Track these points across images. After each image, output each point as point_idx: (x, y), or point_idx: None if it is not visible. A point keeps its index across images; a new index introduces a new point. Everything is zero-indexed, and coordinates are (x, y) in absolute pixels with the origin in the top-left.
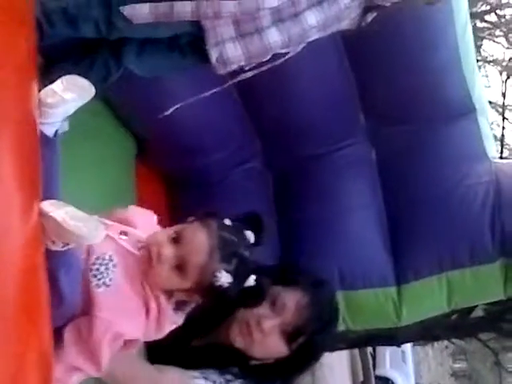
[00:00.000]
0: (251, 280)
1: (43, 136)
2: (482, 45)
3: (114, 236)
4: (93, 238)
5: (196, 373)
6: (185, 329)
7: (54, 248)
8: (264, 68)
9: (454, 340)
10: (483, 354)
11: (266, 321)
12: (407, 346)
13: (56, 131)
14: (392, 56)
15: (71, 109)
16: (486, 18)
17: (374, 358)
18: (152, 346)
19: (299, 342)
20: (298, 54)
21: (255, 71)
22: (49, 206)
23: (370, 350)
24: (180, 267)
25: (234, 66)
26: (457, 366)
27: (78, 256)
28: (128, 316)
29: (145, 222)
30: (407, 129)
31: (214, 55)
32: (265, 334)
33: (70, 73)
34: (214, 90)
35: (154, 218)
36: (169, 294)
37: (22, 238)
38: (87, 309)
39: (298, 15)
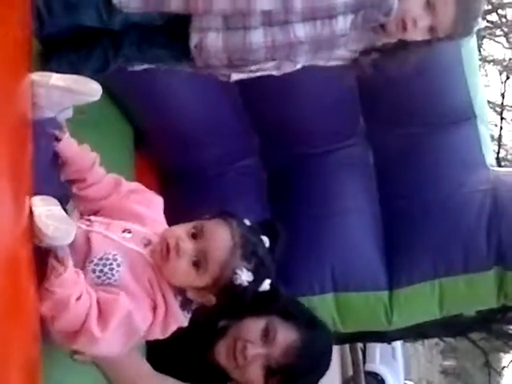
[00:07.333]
0: (266, 284)
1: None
2: (482, 44)
3: (116, 236)
4: (56, 239)
5: None
6: (185, 335)
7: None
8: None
9: (444, 338)
10: (473, 353)
11: (252, 347)
12: (397, 343)
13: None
14: None
15: (63, 101)
16: (487, 17)
17: (364, 353)
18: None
19: (278, 380)
20: None
21: (251, 75)
22: (38, 201)
23: (360, 345)
24: (199, 263)
25: (213, 60)
26: (446, 363)
27: None
28: (137, 309)
29: (155, 213)
30: (406, 132)
31: (194, 40)
32: (247, 361)
33: (69, 60)
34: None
35: (161, 203)
36: (179, 291)
37: (9, 235)
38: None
39: (286, 24)
